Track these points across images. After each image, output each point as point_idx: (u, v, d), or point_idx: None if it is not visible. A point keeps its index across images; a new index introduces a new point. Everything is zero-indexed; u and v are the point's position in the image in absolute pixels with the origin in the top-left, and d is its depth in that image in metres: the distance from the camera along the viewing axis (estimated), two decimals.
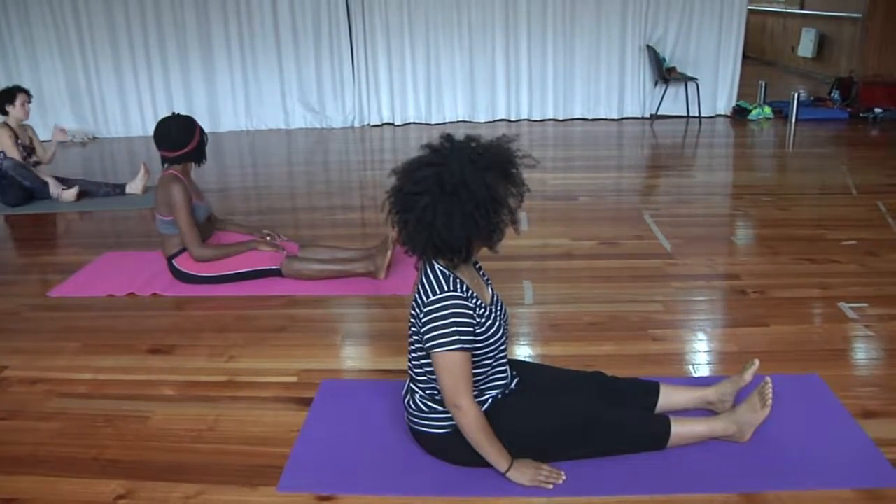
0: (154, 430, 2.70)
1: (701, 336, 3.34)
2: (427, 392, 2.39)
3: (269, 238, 4.21)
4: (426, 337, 2.22)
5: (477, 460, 2.32)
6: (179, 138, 3.92)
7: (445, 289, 2.22)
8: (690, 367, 3.07)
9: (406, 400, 2.49)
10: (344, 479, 2.38)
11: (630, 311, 3.56)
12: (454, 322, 2.19)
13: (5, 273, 4.53)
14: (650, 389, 2.59)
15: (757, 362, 2.62)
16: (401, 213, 2.20)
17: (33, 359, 3.29)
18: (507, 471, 2.28)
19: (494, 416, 2.30)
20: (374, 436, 2.59)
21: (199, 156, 4.04)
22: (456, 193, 2.09)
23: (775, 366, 2.95)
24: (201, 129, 4.03)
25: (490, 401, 2.38)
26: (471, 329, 2.23)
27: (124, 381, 3.07)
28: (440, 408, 2.35)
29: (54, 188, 5.76)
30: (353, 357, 3.31)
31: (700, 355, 3.19)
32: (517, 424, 2.35)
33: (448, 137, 2.21)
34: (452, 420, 2.31)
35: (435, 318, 2.20)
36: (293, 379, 3.04)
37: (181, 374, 3.11)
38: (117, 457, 2.54)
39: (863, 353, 3.17)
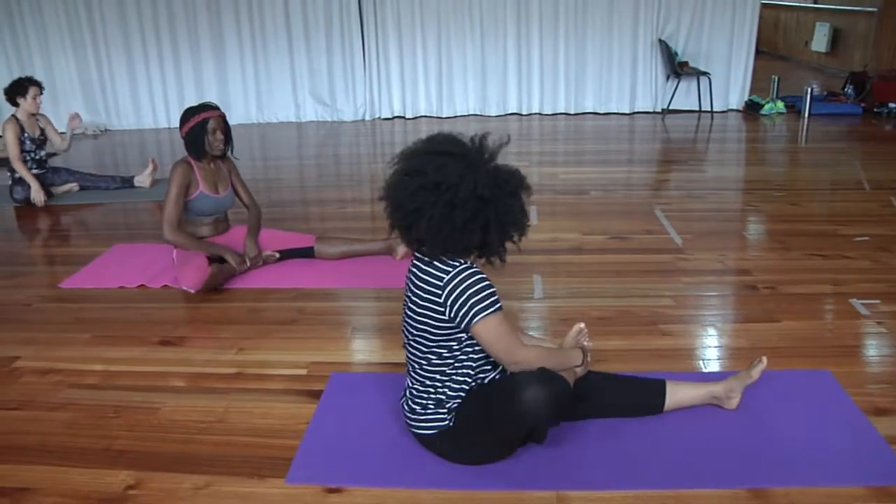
0: (164, 422, 2.71)
1: (711, 331, 3.32)
2: (418, 391, 2.39)
3: (246, 261, 4.03)
4: (461, 312, 2.19)
5: (471, 459, 2.35)
6: (180, 123, 3.95)
7: (459, 263, 2.22)
8: (700, 362, 3.05)
9: (401, 402, 2.50)
10: (352, 472, 2.38)
11: (640, 306, 3.55)
12: (487, 285, 2.20)
13: (17, 264, 4.54)
14: (656, 391, 2.59)
15: (764, 360, 2.62)
16: (394, 194, 2.21)
17: (45, 349, 3.31)
18: (582, 362, 2.44)
19: (497, 390, 2.32)
20: (382, 428, 2.59)
21: (187, 145, 3.92)
22: (482, 207, 2.11)
23: (786, 362, 2.94)
24: (200, 122, 3.87)
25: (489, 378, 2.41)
26: (496, 290, 2.23)
27: (134, 373, 3.08)
28: (431, 406, 2.36)
29: (35, 193, 5.61)
30: (363, 350, 3.31)
31: (710, 350, 3.18)
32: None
33: (481, 138, 2.21)
34: (440, 420, 2.35)
35: (464, 288, 2.19)
36: (302, 371, 3.05)
37: (191, 366, 3.12)
38: (127, 447, 2.55)
39: (875, 349, 3.15)
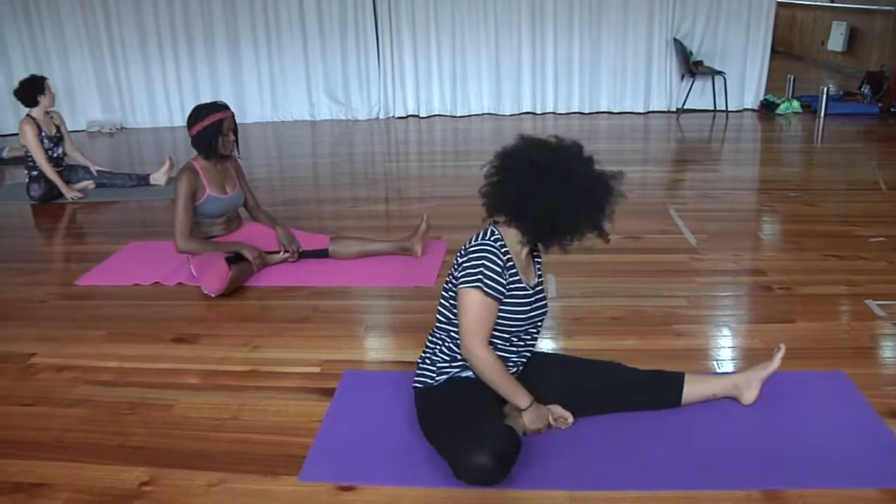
0: (178, 419, 2.73)
1: (725, 332, 3.31)
2: (427, 343, 2.54)
3: (284, 254, 4.15)
4: (458, 276, 2.36)
5: (436, 440, 2.37)
6: (189, 121, 3.95)
7: (486, 240, 2.36)
8: (714, 362, 3.04)
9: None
10: (365, 469, 2.39)
11: (654, 306, 3.54)
12: (483, 265, 2.31)
13: (33, 261, 4.58)
14: (673, 383, 2.61)
15: (783, 346, 2.64)
16: (508, 174, 2.30)
17: (60, 346, 3.34)
18: (527, 409, 2.40)
19: (456, 420, 2.34)
20: (395, 426, 2.59)
21: (197, 144, 3.92)
22: (589, 190, 2.39)
23: (800, 363, 2.92)
24: (216, 123, 3.87)
25: None
26: (498, 279, 2.32)
27: (149, 370, 3.10)
28: (427, 362, 2.50)
29: (67, 193, 5.69)
30: (376, 348, 3.32)
31: (724, 351, 3.17)
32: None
33: (578, 144, 2.39)
34: (427, 377, 2.47)
35: (468, 258, 2.34)
36: (316, 369, 3.06)
37: (205, 363, 3.14)
38: (141, 444, 2.57)
39: (890, 351, 3.13)
